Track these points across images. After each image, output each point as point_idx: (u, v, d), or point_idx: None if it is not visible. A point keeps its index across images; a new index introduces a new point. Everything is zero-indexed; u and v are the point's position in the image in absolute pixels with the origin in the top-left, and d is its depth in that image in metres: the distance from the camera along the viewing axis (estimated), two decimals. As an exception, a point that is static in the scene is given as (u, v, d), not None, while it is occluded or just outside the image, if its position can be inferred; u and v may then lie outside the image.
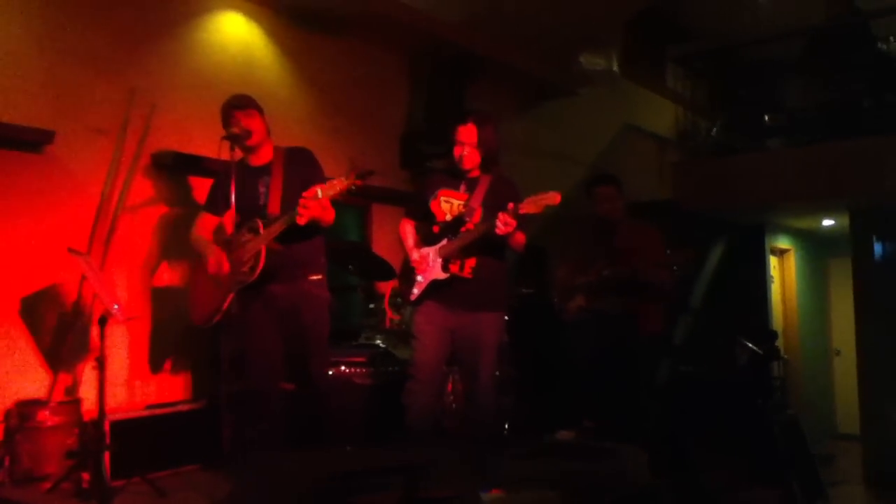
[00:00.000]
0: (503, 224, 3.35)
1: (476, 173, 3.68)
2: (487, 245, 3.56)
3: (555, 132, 7.48)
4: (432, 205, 3.69)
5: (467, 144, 3.60)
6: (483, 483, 3.36)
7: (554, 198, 3.41)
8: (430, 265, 3.61)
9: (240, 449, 3.74)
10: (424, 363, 3.65)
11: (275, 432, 3.54)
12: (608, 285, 4.52)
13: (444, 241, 3.60)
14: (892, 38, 7.24)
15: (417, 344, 3.68)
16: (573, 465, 4.02)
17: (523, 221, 3.41)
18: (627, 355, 4.50)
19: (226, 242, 3.65)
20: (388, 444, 4.02)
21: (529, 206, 3.41)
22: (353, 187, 3.27)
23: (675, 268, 4.43)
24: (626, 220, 4.71)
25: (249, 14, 5.19)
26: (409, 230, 3.83)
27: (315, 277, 3.64)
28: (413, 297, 3.68)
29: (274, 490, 2.55)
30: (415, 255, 3.66)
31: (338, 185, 3.28)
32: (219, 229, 3.84)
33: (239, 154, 3.56)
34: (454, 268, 3.57)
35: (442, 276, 3.57)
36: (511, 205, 3.34)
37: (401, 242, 3.84)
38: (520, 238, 3.53)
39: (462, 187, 3.69)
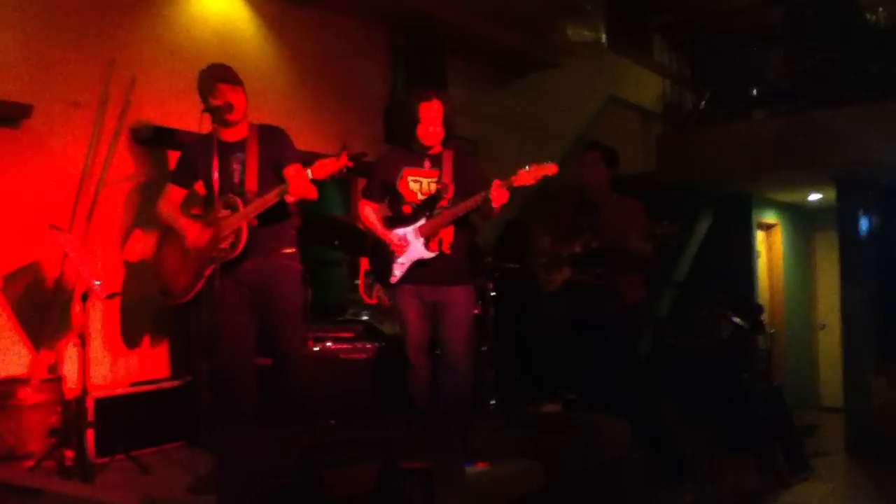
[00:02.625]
0: (500, 197, 3.37)
1: (438, 149, 3.68)
2: (459, 219, 3.59)
3: (537, 104, 7.43)
4: (399, 185, 3.67)
5: (433, 121, 3.58)
6: (467, 456, 3.38)
7: (551, 168, 3.41)
8: (412, 245, 3.60)
9: (216, 425, 3.73)
10: (417, 348, 3.66)
11: (249, 408, 3.53)
12: (594, 257, 4.53)
13: (423, 221, 3.59)
14: (880, 9, 7.22)
15: (404, 330, 3.68)
16: (556, 436, 4.06)
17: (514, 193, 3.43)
18: (608, 326, 4.52)
19: (198, 217, 3.61)
20: (370, 418, 4.03)
21: (525, 178, 3.41)
22: (345, 169, 3.26)
23: (657, 234, 4.44)
24: (611, 193, 4.71)
25: (230, -15, 5.12)
26: (371, 213, 3.78)
27: (288, 251, 3.62)
28: (394, 280, 3.67)
29: (250, 466, 2.55)
30: (394, 239, 3.62)
31: (329, 166, 3.26)
32: (186, 202, 3.78)
33: (209, 128, 3.50)
34: (434, 245, 3.58)
35: (428, 255, 3.58)
36: (511, 178, 3.37)
37: (363, 223, 3.81)
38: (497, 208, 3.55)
39: (426, 164, 3.68)
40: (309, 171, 3.29)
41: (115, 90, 4.34)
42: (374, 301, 4.87)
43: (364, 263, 4.69)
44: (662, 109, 8.23)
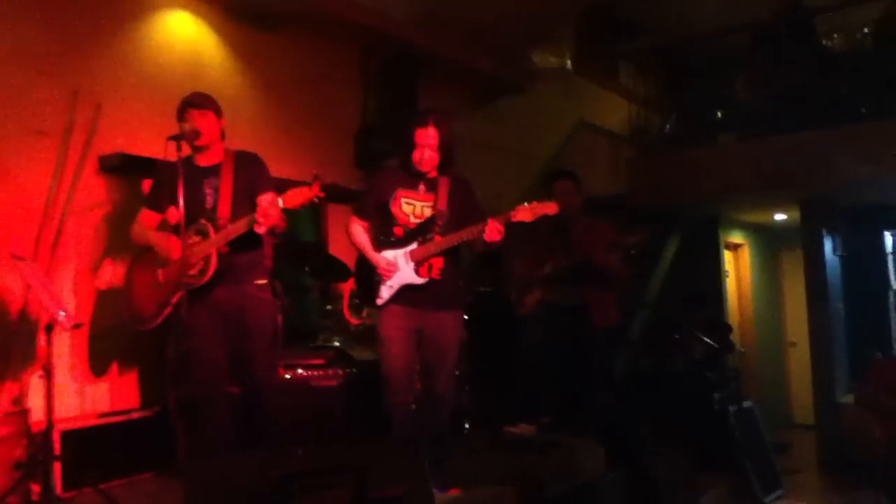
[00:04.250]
0: (496, 231, 3.37)
1: (434, 174, 3.65)
2: (449, 247, 3.56)
3: (509, 129, 7.50)
4: (392, 206, 3.63)
5: (427, 147, 3.55)
6: (439, 482, 3.35)
7: (552, 208, 3.42)
8: (401, 269, 3.55)
9: (188, 455, 3.67)
10: (397, 373, 3.57)
11: (222, 437, 3.47)
12: (564, 277, 4.56)
13: (414, 245, 3.54)
14: (834, 35, 7.42)
15: (386, 353, 3.58)
16: (529, 459, 4.04)
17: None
18: (581, 347, 4.53)
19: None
20: (341, 445, 3.99)
21: (524, 214, 3.40)
22: (317, 199, 3.25)
23: (631, 252, 4.48)
24: (581, 215, 4.76)
25: (197, 12, 5.11)
26: (361, 231, 3.71)
27: (260, 282, 3.60)
28: (381, 301, 3.61)
29: (223, 494, 2.51)
30: (382, 262, 3.56)
31: (300, 195, 3.25)
32: (161, 226, 3.75)
33: (186, 151, 3.49)
34: (424, 271, 3.54)
35: (418, 280, 3.52)
36: (509, 213, 3.39)
37: (351, 242, 3.75)
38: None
39: (422, 188, 3.64)
40: (280, 201, 3.27)
41: (80, 118, 4.31)
42: (359, 322, 4.85)
43: (350, 283, 4.66)
44: (630, 133, 8.34)
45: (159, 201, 3.66)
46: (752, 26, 7.48)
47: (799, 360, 9.03)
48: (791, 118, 6.70)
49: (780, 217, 8.64)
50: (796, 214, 7.63)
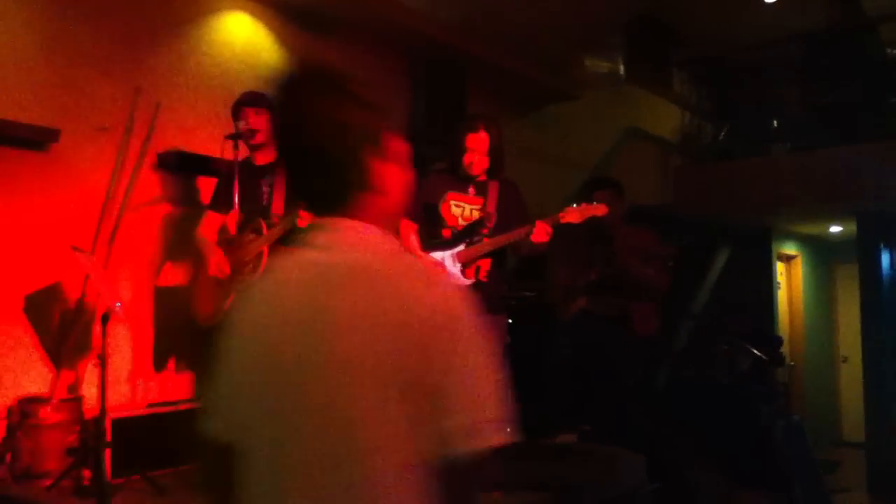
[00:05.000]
0: (544, 233, 3.37)
1: (483, 177, 3.67)
2: (498, 249, 3.58)
3: (557, 135, 7.47)
4: (442, 208, 3.67)
5: (478, 151, 3.58)
6: (481, 486, 3.37)
7: (600, 209, 3.42)
8: (448, 271, 3.57)
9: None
10: None
11: None
12: (606, 286, 4.54)
13: (462, 247, 3.58)
14: (899, 45, 7.23)
15: None
16: (569, 468, 4.02)
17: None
18: (621, 356, 4.50)
19: (228, 242, 3.67)
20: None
21: (573, 215, 3.41)
22: None
23: (670, 263, 4.44)
24: (622, 224, 4.72)
25: (255, 14, 5.22)
26: (411, 233, 3.74)
27: None
28: None
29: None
30: (430, 262, 3.62)
31: None
32: (223, 229, 3.86)
33: (245, 152, 3.57)
34: (471, 273, 3.57)
35: (464, 282, 3.56)
36: (558, 214, 3.40)
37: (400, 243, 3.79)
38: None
39: (471, 191, 3.67)
40: None
41: (140, 115, 4.43)
42: None
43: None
44: (681, 141, 8.24)
45: (222, 203, 3.75)
46: (807, 35, 7.33)
47: (850, 375, 8.82)
48: (847, 129, 6.55)
49: (835, 229, 8.45)
50: (853, 227, 7.46)
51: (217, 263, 3.57)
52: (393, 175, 1.28)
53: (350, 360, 1.00)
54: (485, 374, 1.05)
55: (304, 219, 3.35)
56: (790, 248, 8.77)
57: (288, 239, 3.47)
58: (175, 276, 4.64)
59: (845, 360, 9.29)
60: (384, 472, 0.99)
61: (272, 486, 1.02)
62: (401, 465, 0.99)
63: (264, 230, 3.50)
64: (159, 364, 4.54)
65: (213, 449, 1.12)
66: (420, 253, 3.66)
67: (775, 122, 7.92)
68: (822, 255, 9.40)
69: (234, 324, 1.14)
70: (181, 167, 4.65)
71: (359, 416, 0.99)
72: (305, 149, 1.16)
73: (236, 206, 3.45)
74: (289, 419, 1.03)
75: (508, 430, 1.06)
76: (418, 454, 0.98)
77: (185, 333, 4.44)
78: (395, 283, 1.06)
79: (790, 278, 8.94)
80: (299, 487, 1.01)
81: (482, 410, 1.03)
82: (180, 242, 4.55)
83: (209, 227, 3.81)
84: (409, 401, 0.98)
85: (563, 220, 3.40)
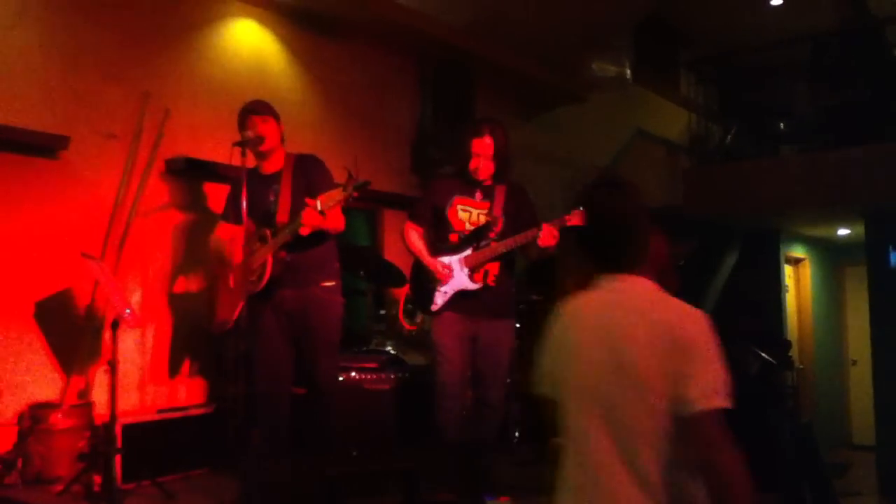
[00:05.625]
0: (551, 237, 3.36)
1: (490, 182, 3.67)
2: (505, 253, 3.57)
3: (564, 137, 7.48)
4: (449, 213, 3.67)
5: (483, 156, 3.58)
6: (489, 489, 3.37)
7: None
8: (456, 275, 3.59)
9: (244, 453, 3.76)
10: (452, 380, 3.59)
11: (279, 436, 3.55)
12: None
13: (469, 251, 3.58)
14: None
15: (441, 359, 3.60)
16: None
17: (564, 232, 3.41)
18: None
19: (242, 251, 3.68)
20: (392, 448, 4.02)
21: (578, 218, 3.39)
22: (351, 198, 3.27)
23: (680, 263, 4.41)
24: None
25: (262, 20, 5.24)
26: (417, 238, 3.75)
27: (328, 284, 3.65)
28: (435, 308, 3.64)
29: (276, 493, 2.57)
30: (439, 266, 3.60)
31: (334, 196, 3.28)
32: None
33: (253, 161, 3.58)
34: (479, 277, 3.57)
35: (472, 286, 3.56)
36: (564, 217, 3.36)
37: (407, 248, 3.80)
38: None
39: (478, 195, 3.67)
40: (318, 203, 3.31)
41: (149, 122, 4.45)
42: (414, 328, 4.88)
43: (405, 289, 4.69)
44: (688, 143, 8.23)
45: (233, 212, 3.76)
46: (816, 36, 7.31)
47: (860, 378, 8.78)
48: (855, 131, 6.53)
49: (843, 232, 8.42)
50: (861, 229, 7.42)
51: (235, 277, 3.60)
52: (656, 248, 2.12)
53: (634, 359, 1.70)
54: (714, 363, 1.67)
55: (306, 227, 3.36)
56: (798, 251, 8.74)
57: (291, 245, 3.48)
58: (183, 281, 4.66)
59: (854, 362, 9.25)
60: (660, 417, 1.65)
61: (580, 422, 1.77)
62: (670, 416, 1.65)
63: (269, 239, 3.51)
64: (167, 369, 4.56)
65: (547, 401, 1.89)
66: (427, 257, 3.66)
67: (783, 124, 7.90)
68: (831, 257, 9.37)
69: (557, 326, 1.96)
70: (190, 173, 4.67)
71: (643, 386, 1.67)
72: (618, 231, 1.90)
73: (244, 215, 3.45)
74: (591, 381, 1.76)
75: (729, 397, 1.62)
76: (680, 409, 1.63)
77: (192, 339, 4.47)
78: (659, 312, 1.75)
79: (798, 281, 8.91)
80: (599, 423, 1.72)
81: (714, 384, 1.64)
82: (190, 248, 4.56)
83: (221, 237, 3.82)
84: (671, 380, 1.65)
85: (569, 223, 3.39)
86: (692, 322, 1.71)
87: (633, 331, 1.72)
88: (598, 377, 1.74)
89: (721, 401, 1.63)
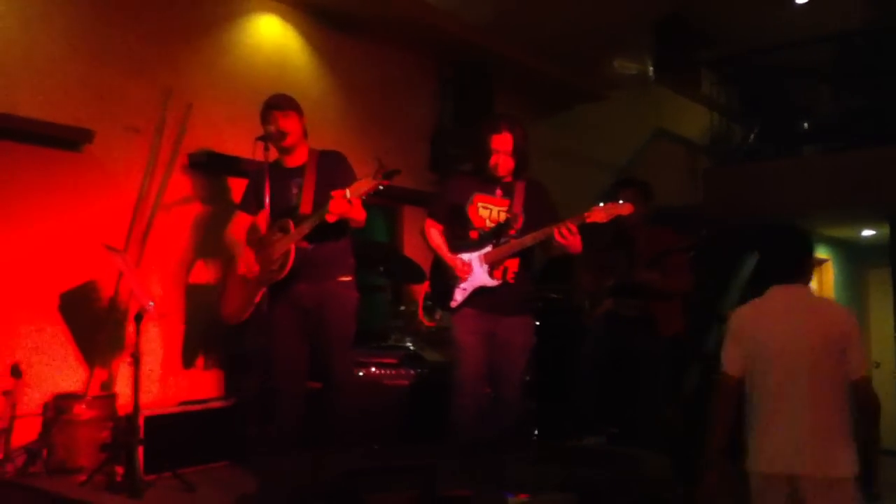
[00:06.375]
0: (569, 233, 3.35)
1: (509, 178, 3.67)
2: (525, 250, 3.58)
3: (584, 136, 7.46)
4: (469, 210, 3.67)
5: (502, 152, 3.57)
6: (508, 486, 3.37)
7: (626, 208, 3.39)
8: (475, 272, 3.59)
9: (260, 446, 3.78)
10: (470, 377, 3.59)
11: (294, 430, 3.57)
12: (627, 288, 4.51)
13: (489, 248, 3.58)
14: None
15: (461, 356, 3.60)
16: (595, 470, 4.01)
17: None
18: (645, 357, 4.46)
19: (258, 242, 3.70)
20: (412, 444, 4.03)
21: (599, 215, 3.38)
22: (380, 187, 3.29)
23: (691, 254, 4.39)
24: (643, 225, 4.67)
25: (284, 16, 5.27)
26: (437, 234, 3.75)
27: (344, 279, 3.67)
28: (455, 304, 3.63)
29: (291, 487, 2.58)
30: (458, 262, 3.60)
31: (364, 185, 3.30)
32: (252, 229, 3.90)
33: (275, 155, 3.61)
34: (499, 273, 3.57)
35: (491, 282, 3.56)
36: (584, 214, 3.36)
37: (428, 245, 3.80)
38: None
39: (498, 193, 3.66)
40: (347, 191, 3.33)
41: (171, 116, 4.49)
42: (433, 324, 4.89)
43: (425, 286, 4.70)
44: (709, 142, 8.17)
45: (251, 204, 3.80)
46: (838, 35, 7.23)
47: (883, 380, 8.65)
48: (879, 130, 6.45)
49: (867, 233, 8.33)
50: (885, 230, 7.34)
51: (246, 263, 3.61)
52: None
53: (812, 342, 2.68)
54: (861, 344, 2.73)
55: (332, 214, 3.38)
56: (821, 252, 8.65)
57: (309, 238, 3.50)
58: (206, 274, 4.69)
59: (877, 365, 9.12)
60: (833, 383, 2.69)
61: (769, 394, 2.74)
62: (838, 384, 2.70)
63: (292, 229, 3.54)
64: (189, 362, 4.60)
65: (727, 378, 2.84)
66: (447, 254, 3.66)
67: (806, 124, 7.82)
68: (854, 259, 9.26)
69: (746, 324, 2.83)
70: (212, 167, 4.71)
71: (819, 364, 2.68)
72: (802, 258, 2.90)
73: (267, 207, 3.48)
74: (779, 359, 2.73)
75: (873, 366, 2.10)
76: (843, 378, 2.69)
77: (215, 332, 4.50)
78: (825, 308, 2.88)
79: (821, 282, 8.82)
80: (788, 392, 2.69)
81: (864, 357, 2.71)
82: (212, 241, 4.60)
83: (238, 227, 3.85)
84: (835, 356, 2.68)
85: (588, 220, 3.37)
86: (849, 316, 2.75)
87: (807, 323, 2.70)
88: (810, 348, 2.67)
89: (867, 370, 2.75)
